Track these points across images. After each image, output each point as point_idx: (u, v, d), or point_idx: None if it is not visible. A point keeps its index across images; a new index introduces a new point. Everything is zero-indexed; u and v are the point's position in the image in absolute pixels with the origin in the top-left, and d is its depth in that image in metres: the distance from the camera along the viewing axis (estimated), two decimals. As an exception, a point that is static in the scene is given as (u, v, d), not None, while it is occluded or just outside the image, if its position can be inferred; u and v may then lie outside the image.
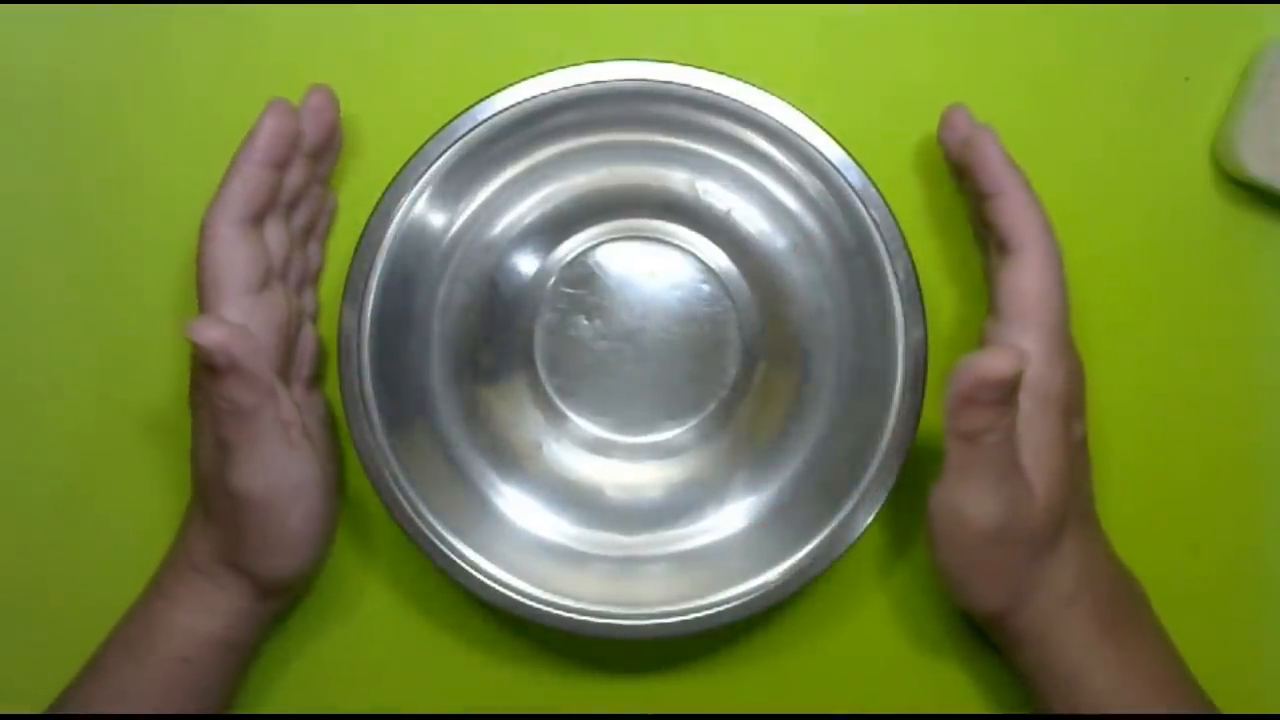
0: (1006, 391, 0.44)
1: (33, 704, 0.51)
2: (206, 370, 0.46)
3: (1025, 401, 0.46)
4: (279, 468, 0.47)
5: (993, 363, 0.44)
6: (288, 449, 0.47)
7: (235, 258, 0.48)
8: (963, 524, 0.46)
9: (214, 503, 0.48)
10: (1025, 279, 0.47)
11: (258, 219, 0.49)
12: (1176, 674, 0.49)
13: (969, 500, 0.46)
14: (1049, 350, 0.47)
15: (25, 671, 0.54)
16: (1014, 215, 0.48)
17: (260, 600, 0.50)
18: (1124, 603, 0.49)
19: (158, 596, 0.50)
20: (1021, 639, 0.48)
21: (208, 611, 0.49)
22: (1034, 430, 0.46)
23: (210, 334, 0.45)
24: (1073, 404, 0.48)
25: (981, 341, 0.48)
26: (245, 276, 0.48)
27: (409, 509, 0.50)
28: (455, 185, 0.51)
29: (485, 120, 0.50)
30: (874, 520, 0.50)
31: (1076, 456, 0.49)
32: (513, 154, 0.52)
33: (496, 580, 0.50)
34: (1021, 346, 0.46)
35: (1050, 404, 0.47)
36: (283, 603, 0.52)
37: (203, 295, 0.48)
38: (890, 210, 0.50)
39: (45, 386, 0.55)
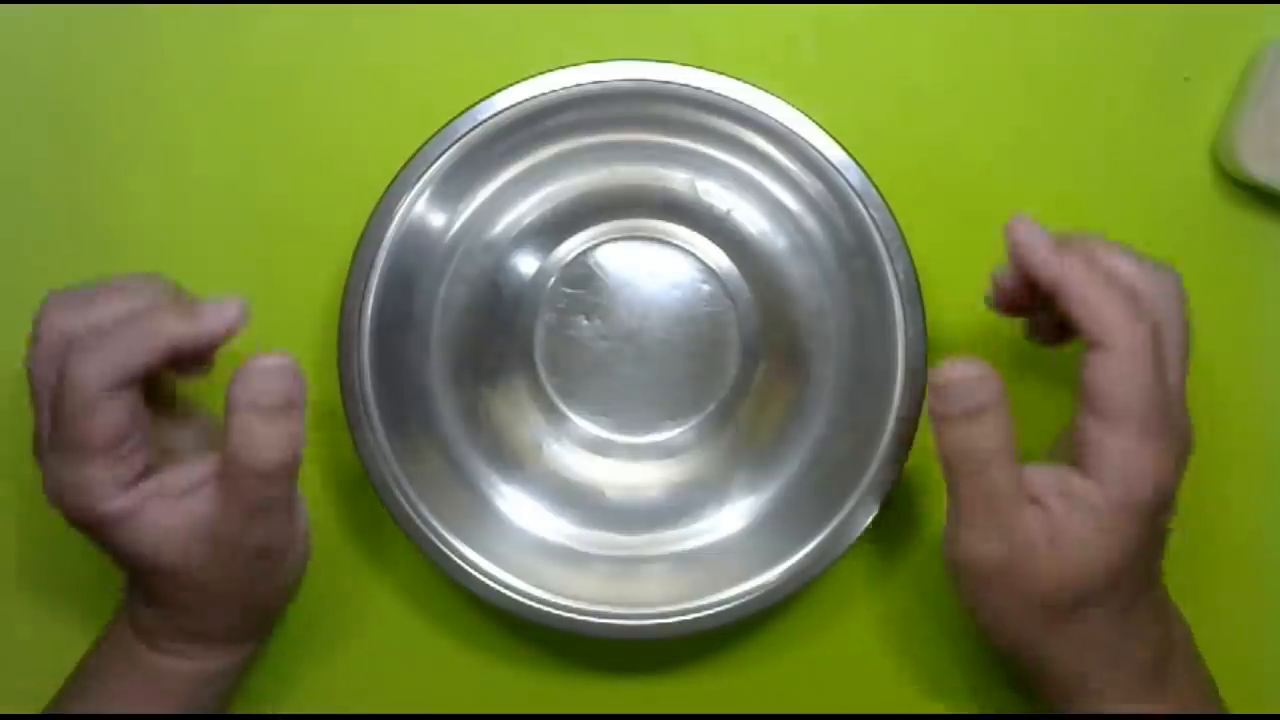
0: (972, 408, 0.43)
1: (33, 704, 0.51)
2: (263, 480, 0.43)
3: (1094, 495, 0.42)
4: (295, 525, 0.46)
5: (944, 372, 0.43)
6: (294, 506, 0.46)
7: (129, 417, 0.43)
8: (962, 553, 0.44)
9: (210, 574, 0.45)
10: (1105, 375, 0.42)
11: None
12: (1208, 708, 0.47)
13: (963, 532, 0.44)
14: (1137, 451, 0.42)
15: (25, 671, 0.54)
16: (1087, 309, 0.43)
17: (260, 641, 0.50)
18: (1164, 664, 0.46)
19: (150, 651, 0.48)
20: (1042, 686, 0.47)
21: (219, 658, 0.48)
22: (1079, 526, 0.42)
23: (284, 449, 0.43)
24: (1158, 506, 0.43)
25: (1072, 437, 0.44)
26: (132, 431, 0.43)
27: (409, 509, 0.50)
28: (455, 185, 0.51)
29: (485, 120, 0.50)
30: (874, 520, 0.50)
31: (1148, 545, 0.44)
32: (513, 154, 0.52)
33: (497, 580, 0.50)
34: (1112, 446, 0.42)
35: (1117, 509, 0.42)
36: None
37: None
38: (890, 210, 0.50)
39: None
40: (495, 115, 0.50)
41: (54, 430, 0.43)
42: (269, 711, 0.54)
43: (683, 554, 0.54)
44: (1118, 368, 0.42)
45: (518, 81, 0.50)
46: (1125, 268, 0.44)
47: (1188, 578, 0.54)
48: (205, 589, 0.45)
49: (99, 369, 0.42)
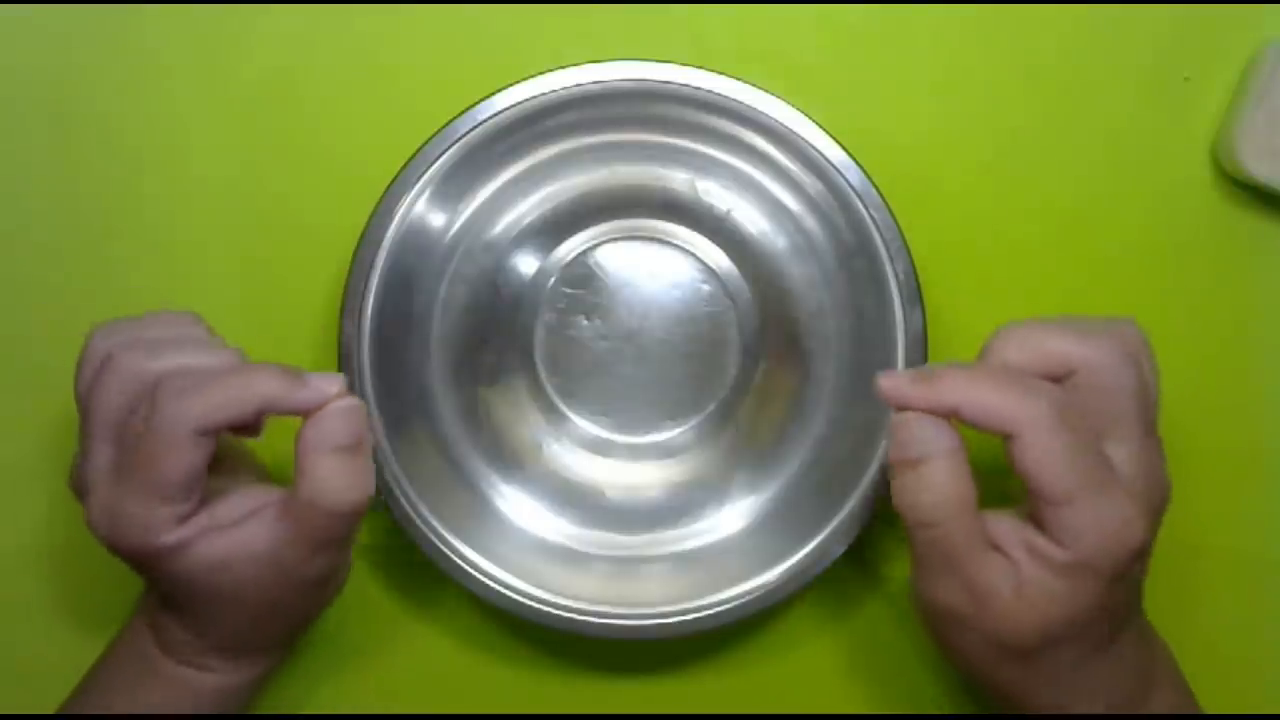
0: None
1: (34, 703, 0.51)
2: (340, 520, 0.44)
3: (1057, 555, 0.41)
4: None
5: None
6: None
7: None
8: (922, 597, 0.44)
9: (268, 595, 0.45)
10: (1025, 460, 0.41)
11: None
12: None
13: (921, 578, 0.43)
14: (1093, 519, 0.41)
15: (26, 672, 0.54)
16: (981, 412, 0.42)
17: (287, 652, 0.50)
18: (1141, 694, 0.46)
19: (172, 663, 0.47)
20: (1017, 709, 0.46)
21: (242, 671, 0.48)
22: (1044, 579, 0.42)
23: (361, 489, 0.44)
24: (1124, 564, 0.42)
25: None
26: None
27: (409, 509, 0.50)
28: (455, 185, 0.51)
29: (485, 120, 0.50)
30: (873, 521, 0.49)
31: (1118, 596, 0.43)
32: (513, 154, 0.52)
33: (497, 580, 0.50)
34: (1065, 518, 0.41)
35: (1081, 568, 0.41)
36: None
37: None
38: (890, 210, 0.50)
39: (45, 387, 0.55)
40: (495, 115, 0.50)
41: (122, 462, 0.43)
42: (269, 712, 0.54)
43: (683, 554, 0.54)
44: (1031, 452, 0.41)
45: (518, 81, 0.50)
46: (1049, 342, 0.43)
47: (1187, 579, 0.54)
48: (253, 612, 0.46)
49: (197, 413, 0.42)
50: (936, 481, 0.42)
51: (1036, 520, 0.42)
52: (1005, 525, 0.43)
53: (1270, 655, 0.54)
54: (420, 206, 0.51)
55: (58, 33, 0.54)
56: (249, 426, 0.45)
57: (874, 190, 0.50)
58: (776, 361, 0.54)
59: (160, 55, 0.54)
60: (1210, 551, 0.55)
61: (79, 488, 0.45)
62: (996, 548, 0.42)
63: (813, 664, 0.55)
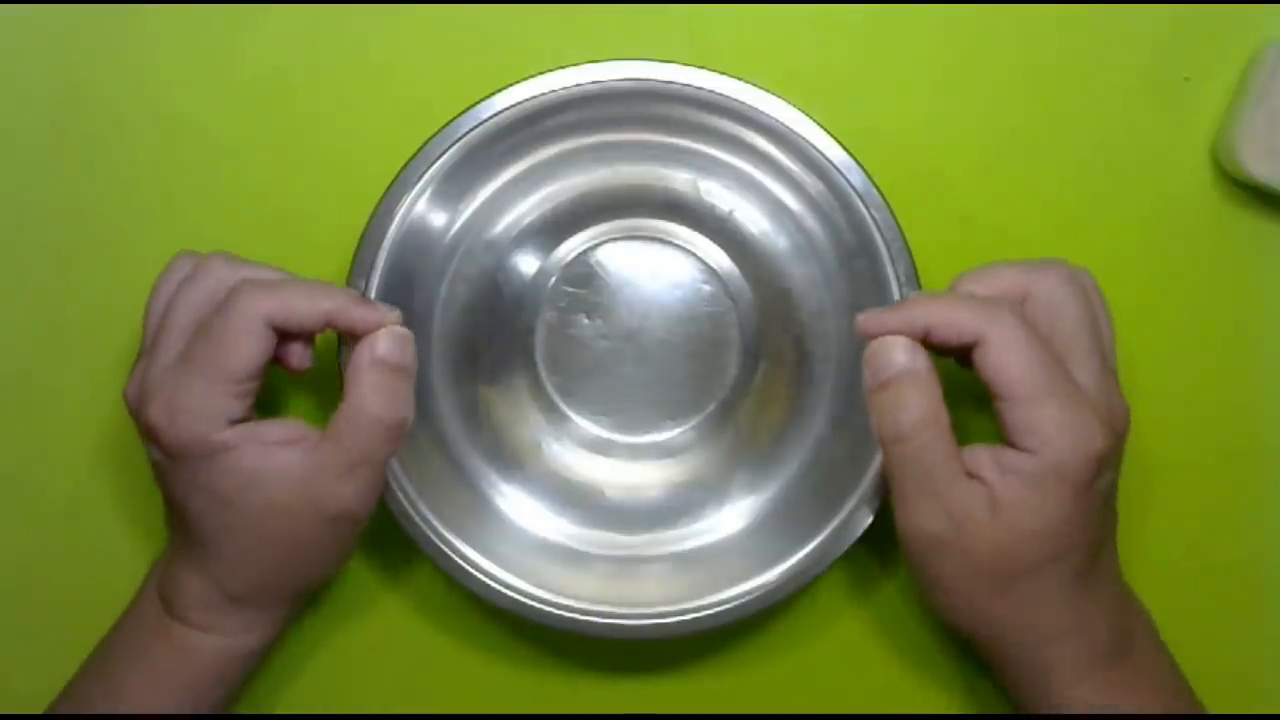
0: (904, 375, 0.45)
1: (33, 704, 0.51)
2: (386, 431, 0.46)
3: (1027, 464, 0.44)
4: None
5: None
6: None
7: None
8: (904, 527, 0.46)
9: (300, 532, 0.47)
10: (992, 362, 0.45)
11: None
12: (1175, 702, 0.48)
13: (901, 507, 0.46)
14: (1055, 417, 0.44)
15: (26, 672, 0.54)
16: (953, 325, 0.45)
17: (290, 619, 0.51)
18: (1120, 644, 0.47)
19: (179, 625, 0.48)
20: (1000, 665, 0.48)
21: (232, 635, 0.49)
22: (1017, 493, 0.44)
23: (408, 407, 0.48)
24: (1091, 469, 0.44)
25: (998, 426, 0.46)
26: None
27: (409, 509, 0.50)
28: (456, 185, 0.51)
29: (485, 120, 0.50)
30: (874, 520, 0.50)
31: (1088, 511, 0.45)
32: (513, 154, 0.52)
33: (497, 580, 0.50)
34: (1030, 416, 0.44)
35: (1049, 472, 0.44)
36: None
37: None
38: (891, 211, 0.50)
39: (45, 387, 0.55)
40: (495, 115, 0.50)
41: (191, 354, 0.46)
42: (269, 711, 0.54)
43: (683, 554, 0.54)
44: (997, 353, 0.44)
45: (518, 81, 0.50)
46: (1003, 274, 0.47)
47: (1189, 577, 0.54)
48: (272, 549, 0.47)
49: (269, 304, 0.46)
50: (910, 399, 0.45)
51: (1004, 435, 0.45)
52: (978, 452, 0.45)
53: (1270, 655, 0.55)
54: (421, 206, 0.51)
55: (57, 33, 0.54)
56: (301, 342, 0.49)
57: (875, 191, 0.50)
58: (777, 362, 0.54)
59: (160, 56, 0.54)
60: (1210, 551, 0.55)
61: (138, 396, 0.47)
62: (971, 475, 0.45)
63: (813, 664, 0.55)
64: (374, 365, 0.47)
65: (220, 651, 0.49)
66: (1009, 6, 0.54)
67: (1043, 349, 0.45)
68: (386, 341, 0.47)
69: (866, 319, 0.46)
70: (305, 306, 0.47)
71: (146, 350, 0.48)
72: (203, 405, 0.45)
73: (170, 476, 0.47)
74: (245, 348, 0.46)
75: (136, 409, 0.47)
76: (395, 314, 0.48)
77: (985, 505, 0.44)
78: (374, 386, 0.46)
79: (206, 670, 0.48)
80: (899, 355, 0.45)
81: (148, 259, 0.54)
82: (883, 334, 0.46)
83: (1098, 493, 0.45)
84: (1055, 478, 0.44)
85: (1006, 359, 0.44)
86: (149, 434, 0.46)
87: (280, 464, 0.46)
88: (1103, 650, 0.46)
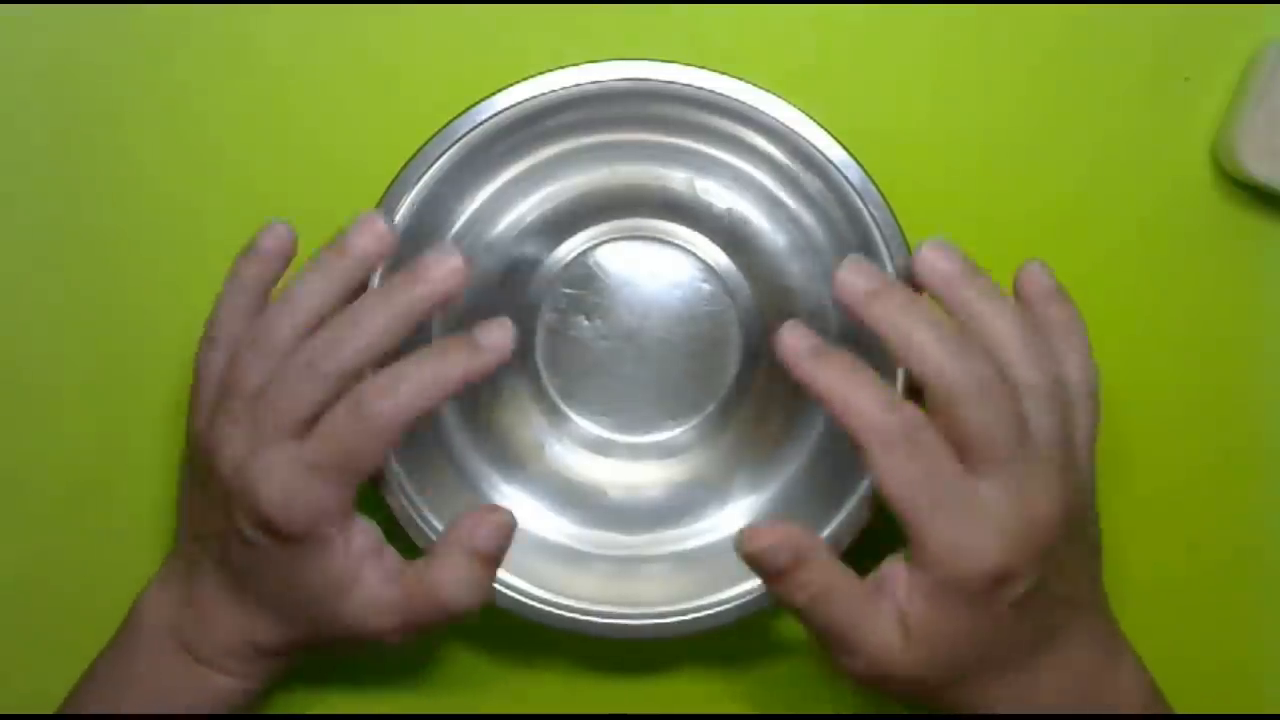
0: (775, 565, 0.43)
1: (33, 704, 0.51)
2: (449, 619, 0.45)
3: (920, 583, 0.43)
4: None
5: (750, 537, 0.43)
6: None
7: None
8: (837, 670, 0.45)
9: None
10: (872, 472, 0.42)
11: None
12: None
13: (832, 658, 0.45)
14: (939, 536, 0.42)
15: (27, 673, 0.54)
16: (835, 408, 0.43)
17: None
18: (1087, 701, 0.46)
19: (199, 665, 0.48)
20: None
21: (254, 679, 0.49)
22: (919, 607, 0.43)
23: (483, 598, 0.46)
24: (985, 583, 0.42)
25: None
26: None
27: (410, 510, 0.50)
28: (455, 185, 0.51)
29: (485, 120, 0.50)
30: (873, 521, 0.49)
31: (1003, 624, 0.43)
32: (513, 154, 0.52)
33: (497, 580, 0.50)
34: (918, 532, 0.42)
35: (940, 590, 0.42)
36: None
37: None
38: (890, 209, 0.50)
39: (45, 388, 0.55)
40: (495, 115, 0.50)
41: (318, 453, 0.43)
42: (268, 711, 0.54)
43: (683, 554, 0.54)
44: (875, 464, 0.42)
45: (518, 81, 0.50)
46: (931, 352, 0.43)
47: (1187, 579, 0.54)
48: (316, 622, 0.46)
49: (403, 415, 0.43)
50: (807, 578, 0.43)
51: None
52: (895, 567, 0.44)
53: (1270, 655, 0.54)
54: (420, 207, 0.51)
55: (58, 33, 0.54)
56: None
57: (874, 189, 0.50)
58: (777, 361, 0.53)
59: (159, 56, 0.54)
60: (1210, 551, 0.55)
61: (238, 463, 0.44)
62: (883, 593, 0.44)
63: (812, 664, 0.55)
64: (469, 555, 0.45)
65: (245, 692, 0.49)
66: (1009, 6, 0.54)
67: (930, 458, 0.42)
68: (488, 532, 0.45)
69: (845, 280, 0.44)
70: (433, 399, 0.44)
71: (249, 408, 0.44)
72: (325, 503, 0.44)
73: (246, 546, 0.45)
74: (381, 457, 0.44)
75: (232, 475, 0.44)
76: (506, 332, 0.44)
77: (898, 631, 0.43)
78: (462, 577, 0.45)
79: (220, 705, 0.48)
80: (782, 555, 0.43)
81: (147, 258, 0.54)
82: (854, 306, 0.43)
83: (1007, 604, 0.43)
84: (951, 593, 0.42)
85: (882, 470, 0.42)
86: (248, 507, 0.44)
87: (358, 577, 0.45)
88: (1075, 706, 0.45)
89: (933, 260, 0.45)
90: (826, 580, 0.43)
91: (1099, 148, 0.54)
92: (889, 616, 0.43)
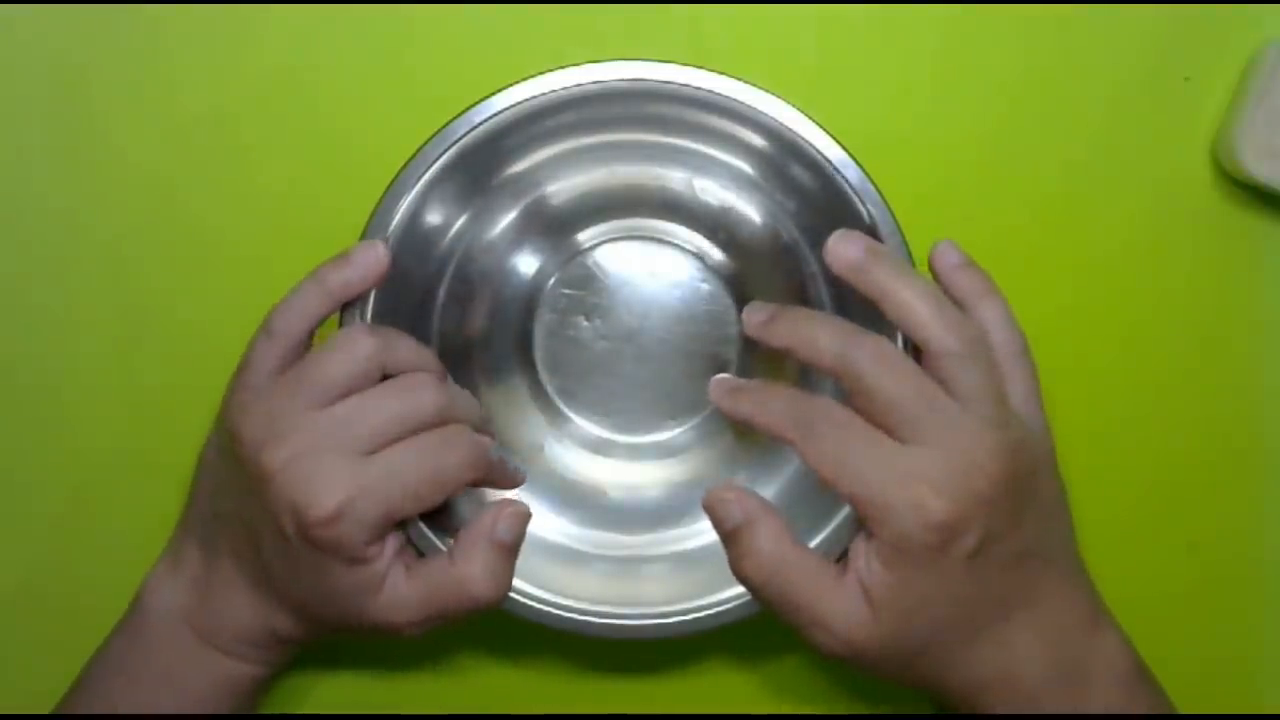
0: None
1: (33, 704, 0.51)
2: (476, 609, 0.47)
3: (877, 548, 0.43)
4: None
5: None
6: None
7: None
8: (810, 646, 0.45)
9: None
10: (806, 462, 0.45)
11: None
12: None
13: (801, 633, 0.45)
14: (878, 501, 0.43)
15: (27, 673, 0.54)
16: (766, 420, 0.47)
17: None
18: (1069, 676, 0.46)
19: (214, 651, 0.49)
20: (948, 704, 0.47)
21: (268, 664, 0.50)
22: (877, 576, 0.43)
23: (506, 589, 0.48)
24: (932, 545, 0.43)
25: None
26: None
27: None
28: (455, 185, 0.51)
29: (485, 120, 0.50)
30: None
31: (957, 579, 0.44)
32: (513, 154, 0.52)
33: (497, 580, 0.50)
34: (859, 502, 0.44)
35: (894, 553, 0.43)
36: None
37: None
38: (889, 208, 0.49)
39: (46, 390, 0.55)
40: (495, 115, 0.50)
41: (395, 504, 0.45)
42: (268, 711, 0.54)
43: (683, 554, 0.54)
44: (803, 453, 0.45)
45: (518, 81, 0.50)
46: (826, 343, 0.46)
47: (1187, 577, 0.54)
48: (341, 615, 0.47)
49: (475, 472, 0.47)
50: (758, 543, 0.44)
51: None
52: (854, 543, 0.45)
53: (1270, 655, 0.54)
54: (420, 207, 0.51)
55: (58, 32, 0.54)
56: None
57: (873, 189, 0.50)
58: (776, 361, 0.54)
59: (160, 56, 0.54)
60: (1210, 551, 0.54)
61: (307, 483, 0.45)
62: (846, 567, 0.44)
63: (812, 664, 0.55)
64: (494, 547, 0.46)
65: (256, 678, 0.50)
66: (1009, 6, 0.54)
67: (844, 430, 0.44)
68: (508, 523, 0.47)
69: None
70: (455, 485, 0.47)
71: (310, 407, 0.46)
72: (378, 528, 0.45)
73: (281, 540, 0.45)
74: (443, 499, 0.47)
75: (279, 470, 0.45)
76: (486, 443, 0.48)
77: (862, 603, 0.44)
78: (487, 568, 0.46)
79: (233, 689, 0.49)
80: (734, 511, 0.45)
81: (148, 257, 0.54)
82: (760, 336, 0.47)
83: (961, 558, 0.43)
84: (905, 555, 0.43)
85: (809, 463, 0.44)
86: (296, 510, 0.44)
87: (386, 577, 0.46)
88: (1041, 688, 0.45)
89: (839, 250, 0.46)
90: (777, 551, 0.44)
91: (1099, 148, 0.54)
92: (852, 588, 0.44)
